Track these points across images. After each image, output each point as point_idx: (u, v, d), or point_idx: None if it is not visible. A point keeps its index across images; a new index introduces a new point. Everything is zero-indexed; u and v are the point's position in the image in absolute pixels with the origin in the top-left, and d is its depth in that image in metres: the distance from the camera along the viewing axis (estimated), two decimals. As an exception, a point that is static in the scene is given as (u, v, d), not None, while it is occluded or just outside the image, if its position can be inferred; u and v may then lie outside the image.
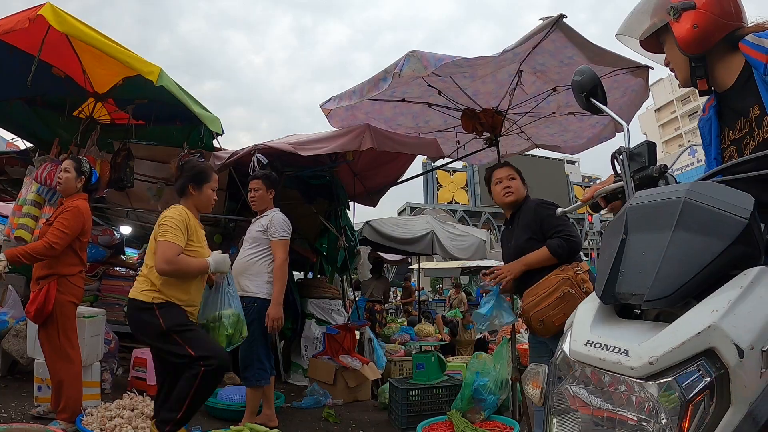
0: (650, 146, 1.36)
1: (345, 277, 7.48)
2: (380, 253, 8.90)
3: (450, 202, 25.22)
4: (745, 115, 1.54)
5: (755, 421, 0.71)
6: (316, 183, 6.44)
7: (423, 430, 3.78)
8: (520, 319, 3.03)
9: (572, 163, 31.32)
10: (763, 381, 0.75)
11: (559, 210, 2.00)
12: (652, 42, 1.73)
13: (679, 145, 45.12)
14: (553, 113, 4.98)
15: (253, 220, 4.18)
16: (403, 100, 4.46)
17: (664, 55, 1.74)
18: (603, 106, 1.62)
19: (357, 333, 6.00)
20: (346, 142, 4.48)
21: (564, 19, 3.47)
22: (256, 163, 4.66)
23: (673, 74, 1.74)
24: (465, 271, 13.90)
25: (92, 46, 4.32)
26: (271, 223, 3.97)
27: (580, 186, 32.17)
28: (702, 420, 0.74)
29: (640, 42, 1.75)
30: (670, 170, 1.35)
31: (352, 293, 8.71)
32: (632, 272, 0.90)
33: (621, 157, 1.41)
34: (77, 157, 4.26)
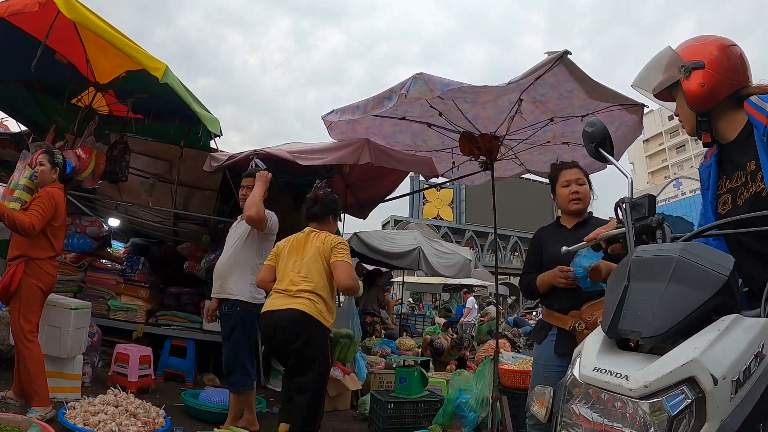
0: (650, 199, 1.54)
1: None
2: (364, 265, 9.03)
3: (435, 218, 25.42)
4: (742, 168, 1.72)
5: (725, 428, 0.92)
6: (307, 191, 6.54)
7: None
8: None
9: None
10: (732, 403, 0.94)
11: (564, 249, 2.12)
12: (664, 92, 1.91)
13: (665, 177, 45.98)
14: (548, 142, 5.17)
15: (239, 218, 4.24)
16: (403, 118, 4.63)
17: (674, 104, 1.92)
18: (610, 157, 1.82)
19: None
20: (345, 155, 4.63)
21: (568, 56, 3.64)
22: (253, 168, 4.77)
23: (677, 118, 1.93)
24: (446, 287, 14.08)
25: (100, 36, 4.36)
26: (245, 225, 4.12)
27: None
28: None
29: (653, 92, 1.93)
30: (662, 201, 1.54)
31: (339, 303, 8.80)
32: (633, 313, 1.10)
33: (624, 206, 1.58)
34: (51, 150, 4.44)
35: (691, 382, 0.95)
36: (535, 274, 2.89)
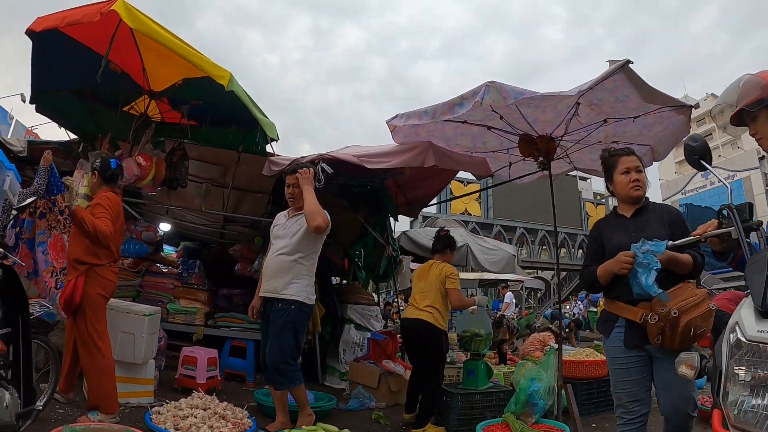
0: (750, 206, 1.92)
1: (378, 284, 7.82)
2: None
3: (462, 213, 25.59)
4: None
5: None
6: (357, 191, 6.79)
7: (483, 430, 4.23)
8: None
9: (584, 179, 31.67)
10: None
11: (670, 243, 2.41)
12: (735, 117, 2.23)
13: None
14: (600, 141, 5.36)
15: (285, 215, 4.28)
16: (465, 121, 4.86)
17: (742, 128, 2.28)
18: (709, 167, 2.17)
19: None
20: (410, 158, 4.88)
21: (630, 65, 3.83)
22: (321, 173, 4.96)
23: (754, 137, 2.24)
24: (482, 283, 14.27)
25: (164, 45, 4.48)
26: (305, 222, 4.05)
27: (592, 203, 32.52)
28: None
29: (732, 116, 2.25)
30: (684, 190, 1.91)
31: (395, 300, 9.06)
32: None
33: (725, 211, 1.98)
34: (94, 156, 4.57)
35: None
36: (595, 266, 2.90)
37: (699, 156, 2.15)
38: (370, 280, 8.16)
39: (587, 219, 31.72)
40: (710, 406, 1.75)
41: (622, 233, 2.86)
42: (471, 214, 26.42)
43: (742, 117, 2.21)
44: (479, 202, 26.69)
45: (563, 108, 4.68)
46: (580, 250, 31.25)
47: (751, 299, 1.54)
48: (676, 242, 2.38)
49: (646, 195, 2.98)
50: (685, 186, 35.14)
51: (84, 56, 5.08)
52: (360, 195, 6.74)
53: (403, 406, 5.43)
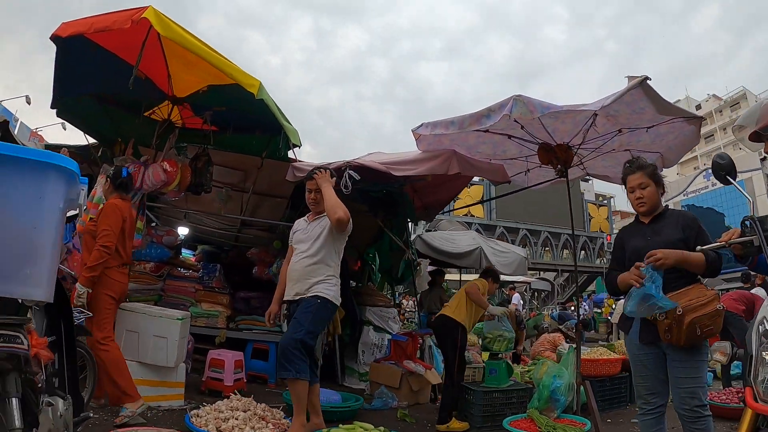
0: None
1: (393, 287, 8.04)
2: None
3: (465, 215, 25.80)
4: None
5: None
6: (375, 195, 6.99)
7: (509, 424, 4.49)
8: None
9: (586, 180, 31.90)
10: None
11: (698, 248, 2.69)
12: (754, 135, 2.55)
13: (694, 168, 45.87)
14: (614, 150, 5.60)
15: (306, 220, 4.27)
16: (487, 130, 5.07)
17: (758, 143, 2.62)
18: (734, 182, 2.46)
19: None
20: (435, 165, 5.13)
21: (647, 81, 4.08)
22: (348, 179, 5.16)
23: None
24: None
25: (194, 53, 4.59)
26: (328, 225, 4.03)
27: (594, 204, 32.79)
28: None
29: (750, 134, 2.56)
30: (686, 192, 2.19)
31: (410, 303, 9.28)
32: None
33: (748, 222, 2.28)
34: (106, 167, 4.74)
35: None
36: (618, 272, 3.14)
37: (726, 172, 2.44)
38: (385, 283, 8.38)
39: (589, 220, 32.05)
40: (724, 397, 2.07)
41: (640, 238, 3.13)
42: (474, 216, 26.68)
43: (760, 135, 2.53)
44: (482, 204, 26.95)
45: (582, 119, 4.92)
46: (583, 252, 31.56)
47: None
48: (704, 247, 2.64)
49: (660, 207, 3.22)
50: (687, 187, 35.34)
51: (107, 62, 5.20)
52: (378, 199, 6.93)
53: (424, 405, 5.68)
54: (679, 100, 53.35)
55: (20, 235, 1.72)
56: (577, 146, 5.30)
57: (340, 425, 4.05)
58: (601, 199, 35.05)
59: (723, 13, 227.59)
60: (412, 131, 5.15)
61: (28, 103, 19.43)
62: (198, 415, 4.06)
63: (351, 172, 5.11)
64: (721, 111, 52.31)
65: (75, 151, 7.98)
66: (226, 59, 4.84)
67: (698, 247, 2.64)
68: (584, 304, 17.52)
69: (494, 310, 5.43)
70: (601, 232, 32.46)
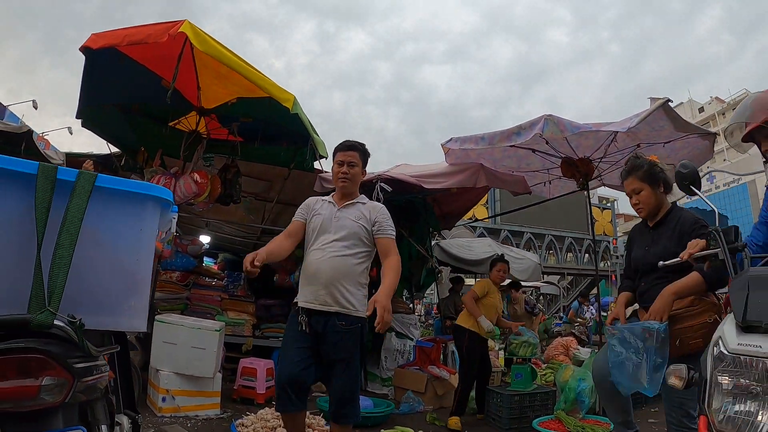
0: (736, 229, 2.16)
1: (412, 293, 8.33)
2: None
3: (470, 219, 26.06)
4: None
5: None
6: (396, 204, 7.26)
7: (539, 425, 4.84)
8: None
9: (590, 184, 32.26)
10: None
11: (660, 263, 2.62)
12: (747, 134, 2.42)
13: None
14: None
15: (330, 203, 3.39)
16: (513, 145, 5.38)
17: (748, 144, 2.51)
18: (698, 192, 2.43)
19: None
20: (464, 178, 5.47)
21: (669, 103, 4.41)
22: (380, 192, 5.43)
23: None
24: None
25: (229, 67, 4.69)
26: (381, 215, 3.36)
27: (598, 207, 33.20)
28: None
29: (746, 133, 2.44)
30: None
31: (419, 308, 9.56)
32: (756, 309, 1.72)
33: (713, 233, 2.19)
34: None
35: None
36: (630, 281, 3.16)
37: (689, 182, 2.39)
38: (404, 290, 8.66)
39: (593, 224, 32.41)
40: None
41: (640, 246, 3.10)
42: (478, 220, 27.00)
43: (753, 135, 2.39)
44: (486, 208, 27.26)
45: (603, 135, 5.29)
46: (587, 255, 31.96)
47: (733, 315, 1.74)
48: (666, 262, 2.59)
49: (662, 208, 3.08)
50: (690, 190, 35.77)
51: (134, 72, 5.31)
52: (399, 208, 7.19)
53: (448, 409, 5.94)
54: (681, 103, 54.20)
55: (126, 268, 1.76)
56: (598, 160, 5.64)
57: (382, 430, 4.29)
58: (604, 202, 35.48)
59: (726, 15, 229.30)
60: (442, 145, 5.50)
61: (35, 107, 19.51)
62: (243, 425, 4.20)
63: (383, 184, 5.38)
64: (724, 113, 52.76)
65: (97, 160, 8.26)
66: (261, 73, 5.00)
67: (660, 263, 2.57)
68: (591, 308, 17.79)
69: (483, 323, 5.26)
70: (606, 235, 32.90)
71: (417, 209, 7.12)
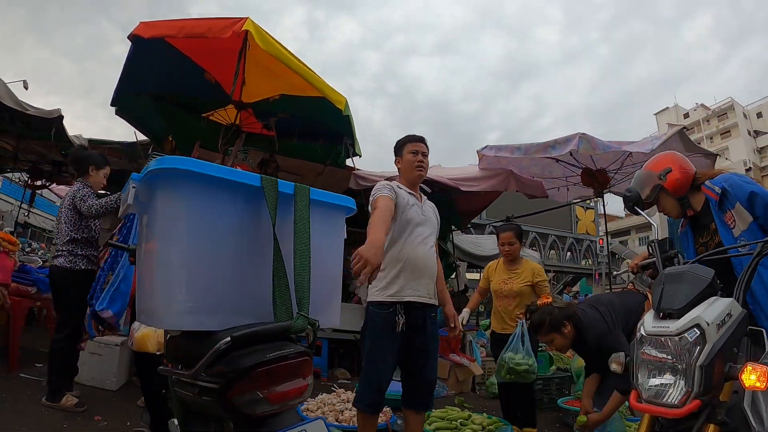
0: (670, 241, 2.69)
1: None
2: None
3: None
4: (707, 228, 2.95)
5: (715, 347, 1.83)
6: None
7: (564, 404, 5.52)
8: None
9: (573, 183, 33.16)
10: (717, 335, 1.85)
11: (622, 269, 3.55)
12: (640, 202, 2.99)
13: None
14: (638, 174, 6.68)
15: (409, 192, 3.39)
16: (546, 157, 6.07)
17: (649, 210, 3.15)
18: (641, 212, 2.94)
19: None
20: (496, 183, 6.20)
21: (685, 130, 5.19)
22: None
23: (663, 213, 3.12)
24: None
25: (288, 67, 4.89)
26: (435, 210, 3.63)
27: (581, 206, 34.24)
28: (695, 350, 1.85)
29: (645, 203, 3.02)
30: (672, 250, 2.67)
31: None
32: (667, 299, 2.04)
33: (653, 245, 2.67)
34: None
35: (698, 326, 1.87)
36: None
37: (633, 203, 2.94)
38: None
39: (576, 222, 33.53)
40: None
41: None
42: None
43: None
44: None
45: (622, 151, 5.99)
46: (569, 252, 33.05)
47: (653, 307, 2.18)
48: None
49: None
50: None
51: (178, 63, 5.47)
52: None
53: (468, 393, 6.61)
54: (667, 108, 56.02)
55: (332, 271, 1.95)
56: (614, 171, 6.38)
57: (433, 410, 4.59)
58: (588, 202, 36.50)
59: (715, 23, 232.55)
60: (477, 152, 6.21)
61: (26, 88, 19.45)
62: (309, 410, 4.51)
63: (422, 186, 5.97)
64: (708, 120, 54.62)
65: (117, 148, 8.53)
66: (316, 74, 5.19)
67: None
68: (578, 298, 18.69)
69: (463, 314, 4.85)
70: (588, 234, 34.02)
71: (440, 207, 7.74)
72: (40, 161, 10.07)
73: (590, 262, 33.75)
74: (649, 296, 3.73)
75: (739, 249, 2.43)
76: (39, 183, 10.97)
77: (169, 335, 1.86)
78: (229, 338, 1.47)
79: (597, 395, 3.93)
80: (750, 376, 1.72)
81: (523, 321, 4.21)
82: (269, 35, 4.66)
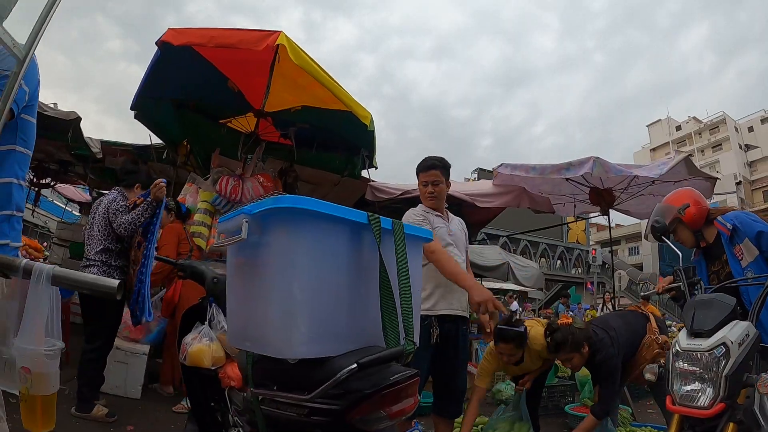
0: (694, 268, 3.15)
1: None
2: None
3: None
4: (719, 258, 3.44)
5: (737, 361, 2.23)
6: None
7: (570, 410, 5.88)
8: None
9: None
10: (739, 350, 2.24)
11: (642, 294, 4.12)
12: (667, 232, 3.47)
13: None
14: (642, 194, 7.12)
15: (437, 216, 3.62)
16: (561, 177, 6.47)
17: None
18: (668, 241, 3.45)
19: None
20: (510, 199, 6.60)
21: (690, 157, 5.60)
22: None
23: (679, 242, 3.58)
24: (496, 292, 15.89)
25: (319, 82, 4.97)
26: (462, 224, 3.84)
27: (574, 218, 34.83)
28: (722, 364, 2.23)
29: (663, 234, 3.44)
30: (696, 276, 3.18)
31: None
32: (699, 322, 2.41)
33: (679, 272, 3.10)
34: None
35: (724, 344, 2.25)
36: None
37: (661, 234, 3.37)
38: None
39: (567, 232, 34.12)
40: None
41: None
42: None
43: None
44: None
45: (628, 172, 6.41)
46: (559, 261, 33.63)
47: (684, 327, 2.53)
48: (647, 293, 3.96)
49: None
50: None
51: (202, 71, 5.49)
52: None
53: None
54: (659, 120, 57.06)
55: (418, 296, 2.16)
56: (620, 191, 6.81)
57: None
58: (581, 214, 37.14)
59: (711, 34, 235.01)
60: (493, 169, 6.57)
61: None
62: None
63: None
64: (700, 134, 55.52)
65: (130, 150, 8.69)
66: (343, 88, 5.27)
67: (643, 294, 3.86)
68: (570, 312, 19.14)
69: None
70: (578, 243, 34.64)
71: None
72: (46, 160, 10.18)
73: (580, 270, 34.40)
74: (646, 313, 4.35)
75: (748, 280, 3.01)
76: (44, 182, 11.25)
77: (255, 359, 1.92)
78: (355, 365, 1.55)
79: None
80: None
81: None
82: (301, 49, 4.74)
